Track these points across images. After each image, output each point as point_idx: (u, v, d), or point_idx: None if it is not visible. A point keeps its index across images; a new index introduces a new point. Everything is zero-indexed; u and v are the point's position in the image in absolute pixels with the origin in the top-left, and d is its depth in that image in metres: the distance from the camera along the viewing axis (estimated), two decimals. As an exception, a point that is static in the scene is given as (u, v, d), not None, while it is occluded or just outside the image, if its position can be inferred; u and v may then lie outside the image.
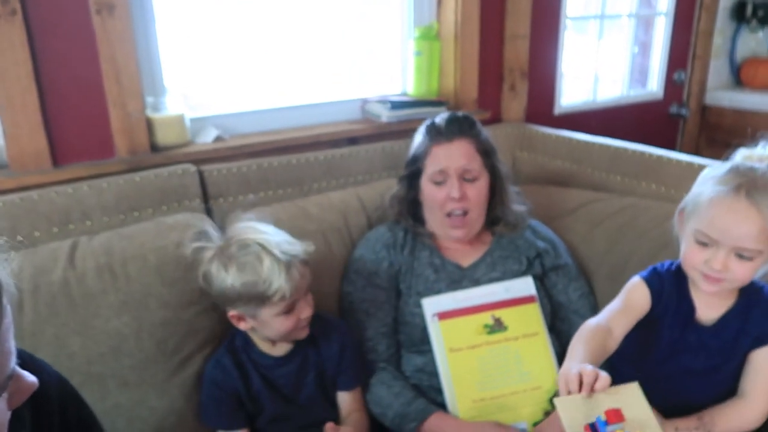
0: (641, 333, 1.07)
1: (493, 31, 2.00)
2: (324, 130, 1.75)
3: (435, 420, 1.16)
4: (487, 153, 1.33)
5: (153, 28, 1.52)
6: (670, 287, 1.07)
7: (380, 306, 1.30)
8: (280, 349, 1.19)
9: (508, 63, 2.06)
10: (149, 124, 1.49)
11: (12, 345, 0.60)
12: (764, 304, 1.04)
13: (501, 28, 2.02)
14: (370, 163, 1.69)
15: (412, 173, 1.35)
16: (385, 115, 1.80)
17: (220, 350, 1.20)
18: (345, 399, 1.23)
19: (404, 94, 1.98)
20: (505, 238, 1.38)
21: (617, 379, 0.93)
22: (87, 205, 1.30)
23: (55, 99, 1.37)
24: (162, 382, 1.16)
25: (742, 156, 1.03)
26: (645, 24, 2.54)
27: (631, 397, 0.85)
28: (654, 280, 1.08)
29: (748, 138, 1.05)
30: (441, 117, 1.34)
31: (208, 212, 1.45)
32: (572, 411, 0.82)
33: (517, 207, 1.38)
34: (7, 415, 0.61)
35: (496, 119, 2.09)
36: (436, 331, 1.25)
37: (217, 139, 1.61)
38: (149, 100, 1.51)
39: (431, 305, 1.26)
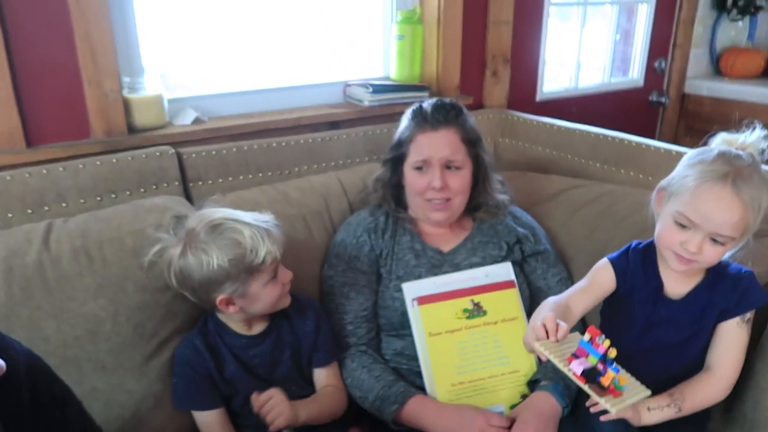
0: (616, 312, 1.11)
1: (476, 17, 1.99)
2: (305, 114, 1.73)
3: (415, 403, 1.17)
4: (471, 142, 1.32)
5: (130, 6, 1.48)
6: (635, 265, 1.12)
7: (360, 290, 1.31)
8: (255, 329, 1.19)
9: (491, 49, 2.05)
10: (126, 105, 1.46)
11: None
12: (729, 279, 1.08)
13: (484, 14, 2.01)
14: (351, 148, 1.68)
15: (396, 158, 1.35)
16: (367, 99, 1.79)
17: (192, 333, 1.19)
18: (321, 375, 1.23)
19: (386, 78, 1.97)
20: (485, 223, 1.38)
21: None
22: (62, 187, 1.28)
23: (28, 77, 1.33)
24: (139, 365, 1.15)
25: (722, 140, 1.06)
26: (627, 11, 2.55)
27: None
28: (620, 261, 1.14)
29: (732, 124, 1.07)
30: (429, 103, 1.33)
31: (187, 196, 1.43)
32: (553, 350, 0.96)
33: (500, 196, 1.38)
34: None
35: (478, 105, 2.09)
36: (415, 315, 1.25)
37: (196, 121, 1.59)
38: (126, 80, 1.48)
39: (411, 290, 1.27)
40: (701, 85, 2.71)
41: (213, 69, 1.73)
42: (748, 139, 1.04)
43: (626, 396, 0.96)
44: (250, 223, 1.09)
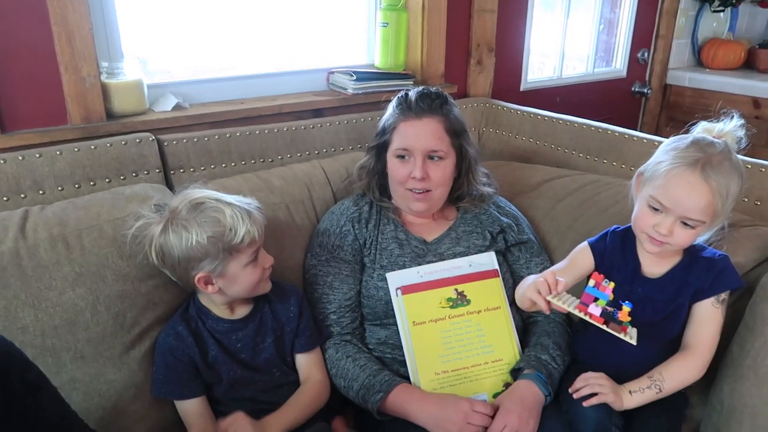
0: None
1: (461, 5, 1.98)
2: (288, 101, 1.72)
3: (399, 392, 1.17)
4: (456, 133, 1.31)
5: (108, -11, 1.45)
6: (613, 246, 1.17)
7: (344, 279, 1.30)
8: (238, 313, 1.18)
9: (476, 37, 2.05)
10: (105, 90, 1.43)
11: None
12: (704, 262, 1.12)
13: (469, 2, 2.01)
14: (334, 136, 1.67)
15: (380, 145, 1.34)
16: (351, 87, 1.78)
17: (174, 319, 1.18)
18: (303, 361, 1.23)
19: (370, 66, 1.95)
20: (469, 213, 1.38)
21: (584, 333, 1.21)
22: (39, 174, 1.25)
23: (1, 61, 1.29)
24: (120, 355, 1.13)
25: (702, 129, 1.10)
26: (611, 2, 2.56)
27: None
28: (599, 243, 1.19)
29: (712, 114, 1.12)
30: (414, 91, 1.31)
31: (168, 184, 1.41)
32: (563, 301, 1.03)
33: (484, 188, 1.38)
34: None
35: (462, 94, 2.08)
36: (399, 304, 1.25)
37: (177, 107, 1.56)
38: (104, 64, 1.45)
39: (395, 279, 1.26)
40: (683, 75, 2.74)
41: (194, 54, 1.70)
42: (725, 127, 1.09)
43: (630, 331, 1.03)
44: (232, 203, 1.09)
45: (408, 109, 1.29)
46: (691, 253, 1.13)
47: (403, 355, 1.23)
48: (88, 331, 1.10)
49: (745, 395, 1.10)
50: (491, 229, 1.36)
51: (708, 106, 2.63)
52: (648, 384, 1.10)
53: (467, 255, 1.32)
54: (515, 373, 1.24)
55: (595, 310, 1.02)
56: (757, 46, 2.81)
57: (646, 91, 2.71)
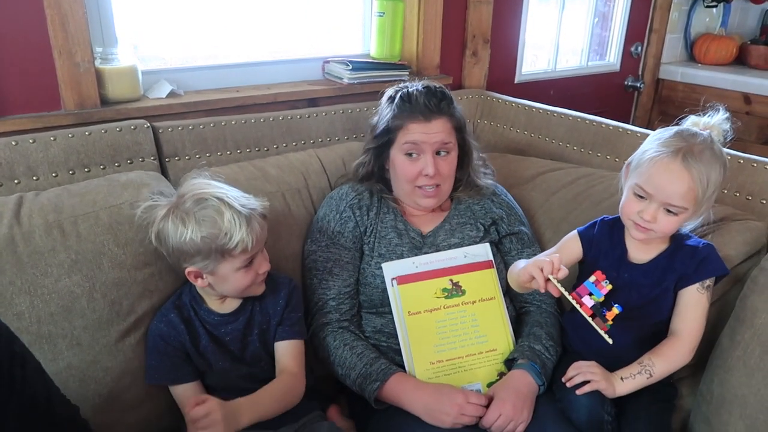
0: (585, 279, 1.15)
1: (457, -5, 1.98)
2: (283, 90, 1.71)
3: (395, 380, 1.18)
4: (460, 129, 1.32)
5: (103, -27, 1.43)
6: (602, 234, 1.21)
7: (344, 266, 1.30)
8: (228, 306, 1.18)
9: (471, 29, 2.04)
10: (99, 76, 1.42)
11: None
12: (688, 249, 1.15)
13: (465, -7, 2.00)
14: (330, 125, 1.66)
15: (382, 144, 1.32)
16: (347, 76, 1.77)
17: (166, 305, 1.18)
18: (282, 350, 1.19)
19: (366, 55, 1.94)
20: (462, 204, 1.39)
21: (575, 320, 1.19)
22: (33, 160, 1.24)
23: (-6, 45, 1.28)
24: (116, 342, 1.13)
25: (691, 122, 1.14)
26: (606, -5, 2.56)
27: None
28: (587, 232, 1.23)
29: (701, 107, 1.16)
30: (416, 89, 1.29)
31: (163, 171, 1.40)
32: (561, 284, 1.08)
33: (483, 180, 1.39)
34: None
35: (457, 86, 2.08)
36: (395, 294, 1.26)
37: (171, 94, 1.55)
38: (98, 50, 1.44)
39: (390, 269, 1.27)
40: (675, 70, 2.76)
41: (188, 41, 1.68)
42: (711, 120, 1.13)
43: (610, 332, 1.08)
44: (234, 206, 1.07)
45: (415, 109, 1.26)
46: (677, 241, 1.17)
47: (399, 344, 1.24)
48: (84, 318, 1.10)
49: (734, 385, 1.12)
50: (483, 221, 1.37)
51: (699, 101, 2.64)
52: (638, 370, 1.13)
53: (462, 246, 1.33)
54: (509, 363, 1.25)
55: (588, 302, 1.09)
56: (748, 42, 2.83)
57: (638, 85, 2.72)
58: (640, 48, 2.69)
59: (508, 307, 1.31)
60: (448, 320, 1.26)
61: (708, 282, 1.14)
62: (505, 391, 1.16)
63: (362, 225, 1.32)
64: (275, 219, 1.36)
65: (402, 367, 1.23)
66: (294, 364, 1.19)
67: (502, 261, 1.38)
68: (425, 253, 1.31)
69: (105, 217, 1.14)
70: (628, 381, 1.12)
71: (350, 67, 1.76)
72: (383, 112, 1.33)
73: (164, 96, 1.53)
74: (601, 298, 1.10)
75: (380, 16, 1.86)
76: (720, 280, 1.18)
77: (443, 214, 1.39)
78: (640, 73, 2.75)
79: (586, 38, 2.54)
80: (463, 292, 1.28)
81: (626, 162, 1.17)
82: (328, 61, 1.83)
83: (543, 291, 1.09)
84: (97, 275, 1.11)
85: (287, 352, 1.19)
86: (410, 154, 1.28)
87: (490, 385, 1.22)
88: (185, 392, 1.14)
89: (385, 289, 1.26)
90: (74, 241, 1.11)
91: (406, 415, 1.16)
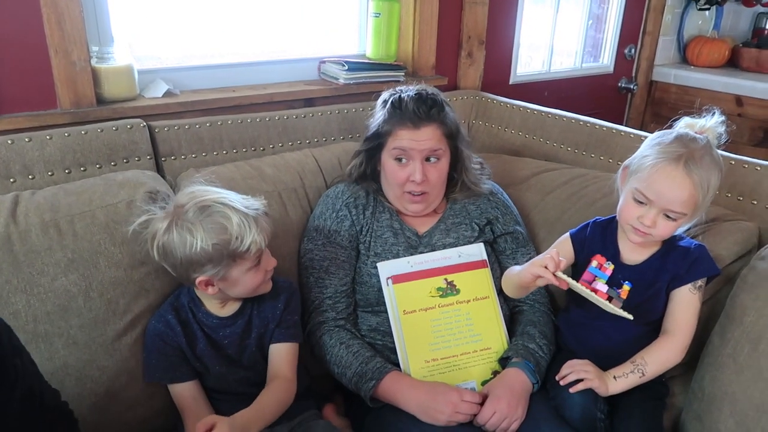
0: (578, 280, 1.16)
1: (452, -4, 1.99)
2: (279, 90, 1.71)
3: (390, 380, 1.18)
4: (451, 135, 1.31)
5: (99, -27, 1.43)
6: (594, 236, 1.22)
7: (341, 265, 1.31)
8: (228, 310, 1.18)
9: (467, 30, 2.06)
10: (95, 75, 1.42)
11: None
12: (681, 250, 1.17)
13: (461, -6, 2.01)
14: (326, 126, 1.67)
15: (372, 148, 1.33)
16: (342, 77, 1.78)
17: (164, 306, 1.18)
18: (276, 353, 1.18)
19: (362, 56, 1.95)
20: (457, 204, 1.40)
21: (569, 319, 1.28)
22: (29, 158, 1.24)
23: (-10, 43, 1.28)
24: (112, 341, 1.13)
25: (685, 124, 1.15)
26: (600, -3, 2.58)
27: None
28: (579, 234, 1.25)
29: (694, 109, 1.17)
30: (407, 94, 1.28)
31: (159, 170, 1.40)
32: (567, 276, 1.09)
33: (479, 187, 1.39)
34: None
35: (452, 86, 2.09)
36: (390, 293, 1.26)
37: (168, 93, 1.55)
38: (95, 49, 1.43)
39: (386, 269, 1.28)
40: (668, 72, 2.78)
41: (185, 41, 1.68)
42: (707, 123, 1.13)
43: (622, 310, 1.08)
44: (239, 209, 1.06)
45: (404, 116, 1.26)
46: (669, 242, 1.18)
47: (394, 343, 1.25)
48: (80, 317, 1.10)
49: (725, 383, 1.13)
50: (478, 221, 1.38)
51: (692, 103, 2.67)
52: (631, 369, 1.14)
53: (457, 246, 1.34)
54: (503, 361, 1.26)
55: (602, 287, 1.09)
56: (740, 45, 2.85)
57: (632, 87, 2.74)
58: (633, 50, 2.71)
59: (502, 307, 1.32)
60: (442, 319, 1.27)
61: (700, 282, 1.15)
62: (500, 388, 1.17)
63: (358, 224, 1.33)
64: (271, 219, 1.36)
65: (397, 365, 1.24)
66: (288, 370, 1.18)
67: (497, 260, 1.39)
68: (421, 252, 1.32)
69: (101, 216, 1.14)
70: (620, 380, 1.14)
71: (346, 68, 1.77)
72: (376, 115, 1.33)
73: (160, 95, 1.53)
74: (608, 278, 1.11)
75: (376, 16, 1.87)
76: (712, 281, 1.19)
77: (438, 214, 1.39)
78: (633, 74, 2.77)
79: (580, 40, 2.56)
80: (458, 291, 1.29)
81: (623, 165, 1.18)
82: (324, 62, 1.84)
83: (555, 284, 1.08)
84: (93, 274, 1.12)
85: (282, 356, 1.18)
86: (399, 159, 1.28)
87: (484, 383, 1.24)
88: (183, 391, 1.14)
89: (380, 288, 1.27)
90: (71, 240, 1.11)
91: (401, 413, 1.17)
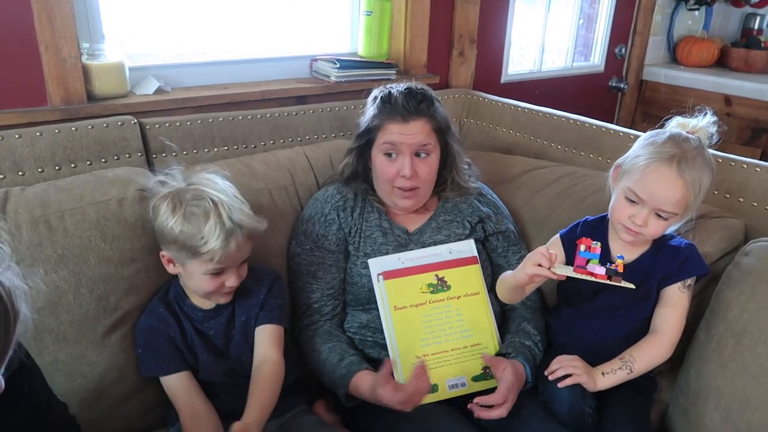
0: (569, 280, 1.16)
1: (444, -5, 2.00)
2: (271, 87, 1.72)
3: (353, 386, 1.19)
4: (441, 131, 1.31)
5: (90, -31, 1.43)
6: (584, 235, 1.21)
7: (327, 269, 1.31)
8: (210, 302, 1.18)
9: (458, 28, 2.06)
10: (85, 72, 1.42)
11: None
12: (671, 249, 1.18)
13: (452, -7, 2.02)
14: (317, 123, 1.67)
15: (363, 145, 1.33)
16: (334, 74, 1.78)
17: (154, 302, 1.18)
18: (262, 335, 1.18)
19: (353, 54, 1.96)
20: (449, 202, 1.41)
21: (560, 317, 1.29)
22: (19, 155, 1.24)
23: (-20, 40, 1.27)
24: (102, 337, 1.13)
25: (677, 124, 1.15)
26: (591, -3, 2.60)
27: None
28: (569, 234, 1.24)
29: (686, 109, 1.18)
30: (397, 90, 1.29)
31: (150, 167, 1.40)
32: (562, 269, 1.10)
33: (468, 183, 1.40)
34: None
35: (444, 85, 2.10)
36: (381, 290, 1.27)
37: (159, 91, 1.55)
38: (85, 45, 1.43)
39: (377, 265, 1.28)
40: (659, 72, 2.80)
41: (176, 38, 1.68)
42: (699, 123, 1.14)
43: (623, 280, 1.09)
44: (222, 216, 1.05)
45: (394, 110, 1.27)
46: (660, 241, 1.19)
47: (385, 339, 1.25)
48: (70, 313, 1.10)
49: (709, 377, 1.15)
50: (470, 219, 1.39)
51: (682, 102, 2.67)
52: (619, 365, 1.15)
53: (448, 243, 1.35)
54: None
55: (599, 270, 1.08)
56: (729, 45, 2.88)
57: (622, 86, 2.76)
58: (624, 49, 2.73)
59: (492, 303, 1.33)
60: (433, 315, 1.27)
61: (689, 281, 1.16)
62: (514, 376, 1.17)
63: (346, 226, 1.33)
64: (262, 216, 1.36)
65: (381, 360, 1.23)
66: (275, 351, 1.18)
67: (488, 258, 1.40)
68: (410, 250, 1.32)
69: (92, 213, 1.14)
70: (609, 376, 1.15)
71: (338, 66, 1.77)
72: (367, 111, 1.34)
73: (151, 92, 1.53)
74: (599, 257, 1.10)
75: (368, 15, 1.88)
76: (701, 279, 1.21)
77: (429, 212, 1.40)
78: (624, 74, 2.79)
79: (571, 39, 2.58)
80: (449, 288, 1.30)
81: (615, 164, 1.18)
82: (315, 59, 1.85)
83: (553, 278, 1.09)
84: (83, 270, 1.12)
85: (267, 337, 1.18)
86: (389, 155, 1.29)
87: (474, 378, 1.24)
88: (176, 383, 1.14)
89: (371, 288, 1.27)
90: (61, 236, 1.11)
91: (391, 409, 1.18)
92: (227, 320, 1.19)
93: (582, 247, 1.10)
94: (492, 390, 1.18)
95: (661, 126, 1.17)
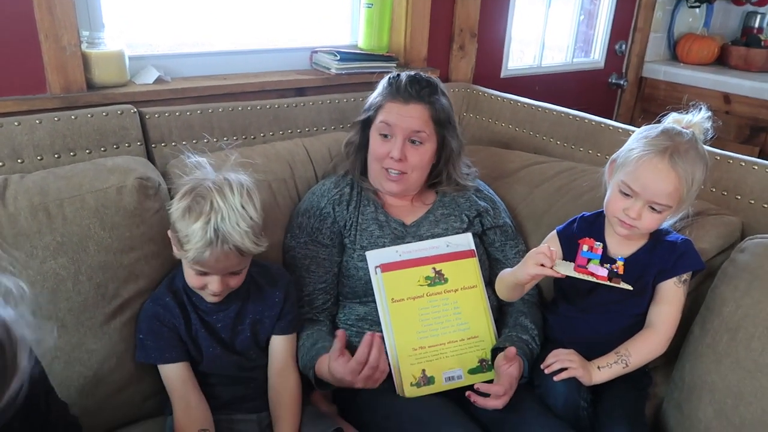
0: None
1: (445, -11, 1.99)
2: (270, 78, 1.72)
3: (318, 366, 1.19)
4: (440, 122, 1.32)
5: (90, -43, 1.43)
6: (580, 230, 1.23)
7: (321, 263, 1.32)
8: None
9: (459, 22, 2.06)
10: (85, 60, 1.42)
11: None
12: (667, 245, 1.19)
13: (454, -14, 2.02)
14: (317, 115, 1.67)
15: (364, 120, 1.35)
16: (334, 66, 1.78)
17: (160, 289, 1.18)
18: (281, 345, 1.22)
19: (354, 46, 1.95)
20: (447, 196, 1.41)
21: (557, 312, 1.30)
22: (18, 143, 1.24)
23: (-20, 26, 1.27)
24: (101, 325, 1.14)
25: (672, 120, 1.16)
26: (592, -7, 2.59)
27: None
28: (566, 230, 1.25)
29: (682, 105, 1.18)
30: (406, 74, 1.32)
31: (149, 157, 1.40)
32: (564, 267, 1.11)
33: (465, 182, 1.40)
34: None
35: (444, 79, 2.10)
36: (378, 282, 1.27)
37: (158, 80, 1.55)
38: (85, 34, 1.43)
39: (374, 257, 1.29)
40: (658, 69, 2.80)
41: (176, 28, 1.68)
42: (693, 118, 1.15)
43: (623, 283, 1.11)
44: (210, 225, 1.02)
45: (396, 91, 1.30)
46: (656, 236, 1.20)
47: (382, 331, 1.26)
48: (69, 300, 1.10)
49: (703, 372, 1.16)
50: (468, 213, 1.39)
51: (681, 100, 2.69)
52: (615, 359, 1.16)
53: (445, 236, 1.35)
54: (495, 351, 1.27)
55: (601, 271, 1.09)
56: (729, 43, 2.88)
57: (622, 83, 2.76)
58: (624, 46, 2.73)
59: (489, 297, 1.34)
60: (430, 308, 1.28)
61: (685, 276, 1.17)
62: (514, 368, 1.18)
63: (341, 220, 1.34)
64: (261, 208, 1.37)
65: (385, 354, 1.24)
66: (289, 358, 1.23)
67: (485, 252, 1.40)
68: (407, 243, 1.33)
69: (91, 201, 1.14)
70: (604, 370, 1.16)
71: (338, 58, 1.77)
72: (375, 91, 1.36)
73: (151, 82, 1.53)
74: (600, 258, 1.11)
75: (369, 7, 1.87)
76: (696, 275, 1.21)
77: (426, 206, 1.40)
78: (623, 70, 2.79)
79: (571, 35, 2.57)
80: (446, 281, 1.30)
81: (610, 159, 1.20)
82: (316, 51, 1.84)
83: (555, 276, 1.10)
84: (82, 258, 1.12)
85: (287, 347, 1.22)
86: (384, 135, 1.30)
87: (471, 371, 1.25)
88: (174, 373, 1.15)
89: (368, 281, 1.28)
90: (60, 223, 1.11)
91: (388, 399, 1.19)
92: (236, 314, 1.18)
93: (585, 247, 1.11)
94: (491, 382, 1.19)
95: (658, 122, 1.18)
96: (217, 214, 1.03)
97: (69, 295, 1.10)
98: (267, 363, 1.23)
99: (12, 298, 0.63)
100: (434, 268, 1.30)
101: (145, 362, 1.16)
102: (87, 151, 1.31)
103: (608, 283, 1.09)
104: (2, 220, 1.07)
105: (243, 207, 1.05)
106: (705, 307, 1.21)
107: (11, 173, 1.19)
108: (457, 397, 1.21)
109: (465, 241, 1.35)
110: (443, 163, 1.38)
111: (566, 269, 1.10)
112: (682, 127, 1.13)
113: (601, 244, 1.10)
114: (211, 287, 1.09)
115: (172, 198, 1.13)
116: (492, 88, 1.99)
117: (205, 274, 1.08)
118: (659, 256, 1.17)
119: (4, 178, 1.14)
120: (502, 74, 2.31)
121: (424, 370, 1.24)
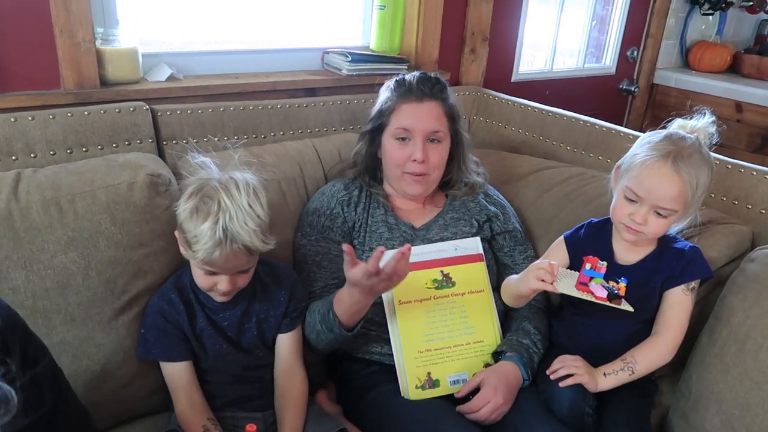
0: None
1: (457, -8, 1.99)
2: (282, 78, 1.72)
3: (335, 308, 1.17)
4: (452, 118, 1.34)
5: (106, -46, 1.44)
6: (588, 237, 1.23)
7: (333, 259, 1.32)
8: None
9: (471, 26, 2.06)
10: (99, 57, 1.43)
11: None
12: (675, 252, 1.19)
13: (466, -10, 2.02)
14: (327, 116, 1.68)
15: (375, 129, 1.35)
16: (346, 68, 1.78)
17: (167, 285, 1.19)
18: (286, 342, 1.22)
19: (365, 48, 1.96)
20: (457, 200, 1.41)
21: (563, 318, 1.30)
22: (31, 137, 1.25)
23: (-3, 22, 1.28)
24: (109, 320, 1.14)
25: (677, 125, 1.17)
26: (604, -1, 2.59)
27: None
28: (573, 235, 1.25)
29: (687, 111, 1.19)
30: (412, 75, 1.34)
31: (160, 154, 1.41)
32: (564, 285, 1.12)
33: (474, 177, 1.41)
34: None
35: (454, 82, 2.10)
36: (386, 284, 1.27)
37: (171, 78, 1.56)
38: (99, 30, 1.44)
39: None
40: (670, 76, 2.79)
41: (189, 26, 1.69)
42: (698, 124, 1.16)
43: (624, 303, 1.12)
44: (218, 225, 1.02)
45: (408, 92, 1.30)
46: (664, 243, 1.19)
47: (388, 333, 1.26)
48: (78, 295, 1.11)
49: (711, 382, 1.15)
50: (478, 218, 1.39)
51: (692, 107, 2.68)
52: (621, 366, 1.15)
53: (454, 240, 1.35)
54: (496, 355, 1.28)
55: (600, 291, 1.10)
56: (742, 51, 2.87)
57: (633, 89, 2.75)
58: (636, 52, 2.72)
59: (496, 301, 1.34)
60: (437, 310, 1.28)
61: (693, 284, 1.17)
62: (496, 379, 1.18)
63: (350, 220, 1.34)
64: (270, 207, 1.35)
65: (390, 356, 1.24)
66: (298, 358, 1.22)
67: (494, 257, 1.40)
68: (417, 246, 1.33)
69: (102, 197, 1.15)
70: (610, 377, 1.15)
71: (349, 59, 1.78)
72: (379, 98, 1.36)
73: (164, 79, 1.54)
74: (603, 276, 1.12)
75: (381, 9, 1.88)
76: (705, 283, 1.21)
77: (437, 209, 1.41)
78: (635, 77, 2.78)
79: (583, 40, 2.57)
80: (453, 284, 1.30)
81: (616, 165, 1.20)
82: (327, 52, 1.85)
83: (556, 293, 1.11)
84: (92, 253, 1.12)
85: (293, 344, 1.22)
86: (402, 139, 1.30)
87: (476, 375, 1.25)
88: (177, 371, 1.15)
89: (377, 283, 1.28)
90: (71, 218, 1.12)
91: (392, 401, 1.19)
92: (242, 313, 1.19)
93: (588, 265, 1.12)
94: None
95: (664, 127, 1.18)
96: (225, 214, 1.03)
97: (78, 289, 1.11)
98: (273, 362, 1.23)
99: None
100: (442, 271, 1.30)
101: (145, 358, 1.17)
102: (99, 147, 1.32)
103: (608, 303, 1.10)
104: (14, 214, 1.08)
105: (250, 206, 1.05)
106: (713, 316, 1.20)
107: (24, 167, 1.20)
108: (461, 400, 1.20)
109: (473, 245, 1.35)
110: (456, 159, 1.38)
111: (567, 286, 1.11)
112: (687, 132, 1.13)
113: (606, 263, 1.11)
114: (220, 287, 1.09)
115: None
116: (502, 92, 1.99)
117: (214, 273, 1.08)
118: (667, 262, 1.17)
119: (17, 172, 1.15)
120: (513, 78, 2.31)
121: (429, 373, 1.24)
